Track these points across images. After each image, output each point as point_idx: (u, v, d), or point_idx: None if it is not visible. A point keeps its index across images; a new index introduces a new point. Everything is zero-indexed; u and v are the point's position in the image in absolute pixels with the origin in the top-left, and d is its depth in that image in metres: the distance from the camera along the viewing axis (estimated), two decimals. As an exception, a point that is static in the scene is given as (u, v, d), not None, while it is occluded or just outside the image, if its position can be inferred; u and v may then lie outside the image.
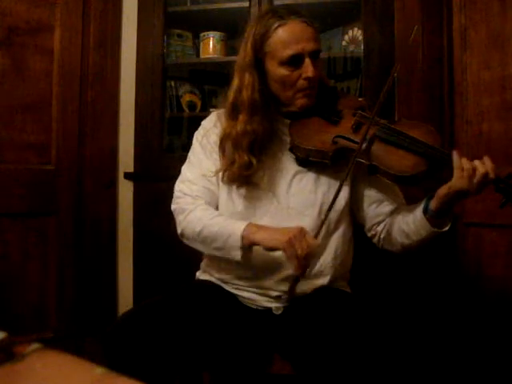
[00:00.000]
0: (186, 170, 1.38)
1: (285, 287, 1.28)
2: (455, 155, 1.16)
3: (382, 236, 1.35)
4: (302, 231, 1.16)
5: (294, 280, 1.21)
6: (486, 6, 1.72)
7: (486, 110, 1.71)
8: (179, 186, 1.36)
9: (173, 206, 1.35)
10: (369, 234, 1.38)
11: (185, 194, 1.33)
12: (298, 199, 1.29)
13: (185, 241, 1.33)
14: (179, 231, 1.33)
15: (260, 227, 1.23)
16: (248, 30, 1.31)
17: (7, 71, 2.03)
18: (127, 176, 2.22)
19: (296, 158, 1.31)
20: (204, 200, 1.31)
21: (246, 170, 1.27)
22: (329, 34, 2.18)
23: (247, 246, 1.21)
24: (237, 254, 1.21)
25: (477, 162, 1.14)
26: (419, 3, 1.88)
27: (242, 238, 1.19)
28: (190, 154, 1.39)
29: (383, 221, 1.34)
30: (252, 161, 1.27)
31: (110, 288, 2.25)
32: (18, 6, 2.03)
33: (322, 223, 1.23)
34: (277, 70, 1.26)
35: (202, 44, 2.25)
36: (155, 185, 2.15)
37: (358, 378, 1.03)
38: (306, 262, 1.15)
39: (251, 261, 1.26)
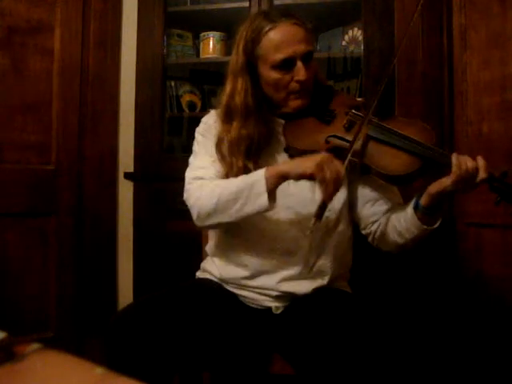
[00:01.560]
0: (194, 160, 1.35)
1: (284, 287, 1.28)
2: (454, 159, 1.15)
3: (376, 235, 1.34)
4: (329, 157, 1.14)
5: (322, 206, 1.15)
6: (485, 5, 1.72)
7: (486, 110, 1.71)
8: (191, 174, 1.31)
9: (185, 195, 1.30)
10: (363, 233, 1.38)
11: (198, 178, 1.28)
12: (296, 198, 1.29)
13: (203, 222, 1.25)
14: (195, 214, 1.25)
15: (283, 162, 1.22)
16: (239, 33, 1.31)
17: (7, 71, 2.03)
18: (127, 176, 2.22)
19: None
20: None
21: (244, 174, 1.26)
22: (329, 34, 2.18)
23: (273, 187, 1.16)
24: (263, 200, 1.15)
25: (469, 161, 1.14)
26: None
27: (266, 180, 1.15)
28: (195, 147, 1.37)
29: (378, 220, 1.33)
30: (248, 166, 1.26)
31: (110, 288, 2.25)
32: (18, 6, 2.04)
33: (347, 155, 1.19)
34: (269, 74, 1.26)
35: (202, 44, 2.25)
36: (155, 185, 2.15)
37: (358, 378, 1.03)
38: (335, 186, 1.12)
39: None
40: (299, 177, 1.15)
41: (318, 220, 1.15)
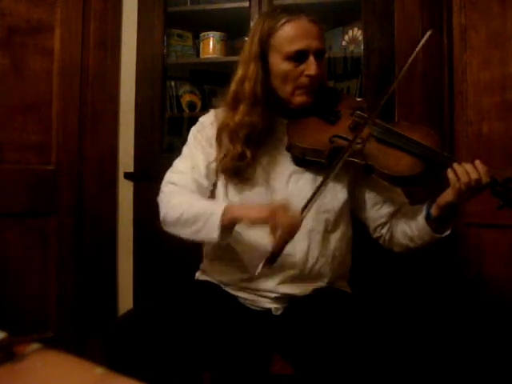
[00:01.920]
0: (177, 161, 1.37)
1: (284, 289, 1.28)
2: (451, 174, 1.15)
3: (387, 238, 1.36)
4: (285, 204, 1.13)
5: (274, 253, 1.12)
6: (485, 6, 1.72)
7: (486, 110, 1.71)
8: (168, 176, 1.34)
9: (159, 196, 1.32)
10: (374, 236, 1.39)
11: (172, 183, 1.31)
12: (296, 200, 1.28)
13: (166, 227, 1.29)
14: (161, 217, 1.29)
15: (241, 205, 1.22)
16: (256, 23, 1.33)
17: (7, 71, 2.02)
18: (127, 176, 2.22)
19: (293, 158, 1.31)
20: (190, 190, 1.30)
21: (238, 161, 1.27)
22: (329, 34, 2.18)
23: (228, 225, 1.17)
24: (215, 234, 1.16)
25: (470, 169, 1.14)
26: (419, 3, 1.88)
27: (222, 216, 1.15)
28: (184, 148, 1.39)
29: (387, 222, 1.35)
30: (246, 152, 1.27)
31: (110, 288, 2.25)
32: (18, 6, 2.03)
33: (310, 200, 1.17)
34: (280, 65, 1.27)
35: (202, 44, 2.25)
36: (155, 185, 2.13)
37: (358, 379, 1.03)
38: (288, 234, 1.10)
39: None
40: (252, 222, 1.16)
41: (267, 265, 1.13)
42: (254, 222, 1.15)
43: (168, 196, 1.29)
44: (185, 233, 1.23)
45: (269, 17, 1.30)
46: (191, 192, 1.29)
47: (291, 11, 1.28)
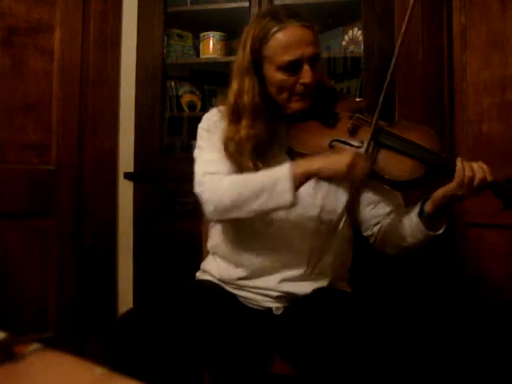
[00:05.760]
0: (201, 154, 1.30)
1: (285, 288, 1.28)
2: (459, 163, 1.14)
3: (378, 237, 1.35)
4: (358, 154, 1.15)
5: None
6: (485, 6, 1.72)
7: (486, 110, 1.71)
8: (203, 168, 1.26)
9: (198, 189, 1.24)
10: (365, 235, 1.38)
11: (211, 173, 1.23)
12: (299, 200, 1.28)
13: (219, 217, 1.22)
14: (212, 209, 1.20)
15: (305, 160, 1.19)
16: (246, 31, 1.29)
17: (7, 71, 2.03)
18: (127, 176, 2.22)
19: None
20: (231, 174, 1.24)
21: None
22: (329, 34, 2.18)
23: (299, 186, 1.14)
24: (287, 198, 1.12)
25: (475, 166, 1.13)
26: (419, 3, 1.88)
27: (293, 177, 1.12)
28: (200, 142, 1.33)
29: (379, 222, 1.34)
30: (258, 165, 1.24)
31: (110, 288, 2.25)
32: (18, 6, 2.04)
33: (369, 142, 1.21)
34: (274, 75, 1.25)
35: (201, 44, 2.25)
36: (155, 185, 2.15)
37: (358, 378, 1.03)
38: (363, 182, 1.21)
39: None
40: (329, 177, 1.17)
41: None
42: (332, 178, 1.17)
43: (214, 184, 1.21)
44: (247, 211, 1.17)
45: (259, 25, 1.25)
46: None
47: (281, 17, 1.23)
